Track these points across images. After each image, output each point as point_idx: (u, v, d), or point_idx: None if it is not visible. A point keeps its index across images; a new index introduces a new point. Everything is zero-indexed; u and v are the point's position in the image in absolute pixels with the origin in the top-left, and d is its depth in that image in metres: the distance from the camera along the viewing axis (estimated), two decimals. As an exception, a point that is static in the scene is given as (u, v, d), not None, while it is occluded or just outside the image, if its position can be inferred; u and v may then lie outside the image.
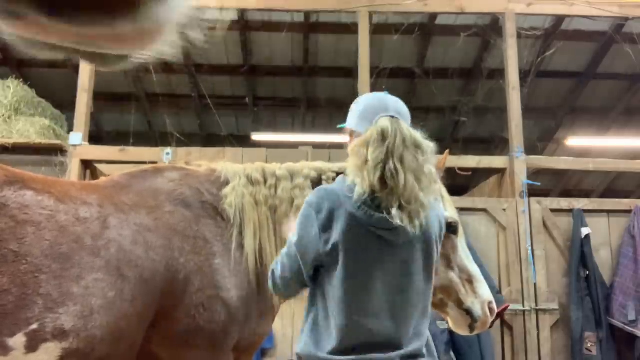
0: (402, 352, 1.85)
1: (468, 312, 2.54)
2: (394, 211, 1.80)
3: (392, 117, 1.97)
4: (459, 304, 2.55)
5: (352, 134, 2.07)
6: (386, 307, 1.88)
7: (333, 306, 1.88)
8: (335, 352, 1.84)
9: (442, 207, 2.12)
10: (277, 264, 2.04)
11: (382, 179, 1.82)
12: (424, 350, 1.93)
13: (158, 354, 2.52)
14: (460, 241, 2.67)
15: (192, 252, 2.52)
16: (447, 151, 2.79)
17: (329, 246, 1.87)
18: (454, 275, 2.57)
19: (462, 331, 2.61)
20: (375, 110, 2.00)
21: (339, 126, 2.32)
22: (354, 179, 1.87)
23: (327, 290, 1.91)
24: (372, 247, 1.87)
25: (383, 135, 1.90)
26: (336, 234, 1.86)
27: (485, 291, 2.57)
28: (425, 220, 1.86)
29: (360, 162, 1.88)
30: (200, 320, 2.47)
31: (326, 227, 1.88)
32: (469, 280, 2.58)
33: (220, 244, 2.61)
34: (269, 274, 2.11)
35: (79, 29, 0.44)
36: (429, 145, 1.96)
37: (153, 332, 2.45)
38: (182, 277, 2.47)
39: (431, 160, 1.94)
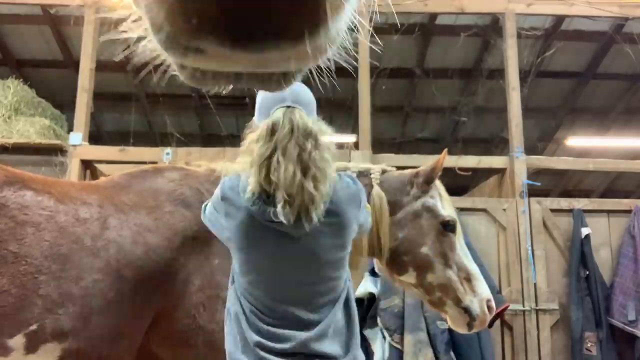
0: (310, 350, 1.78)
1: (466, 311, 2.54)
2: (279, 207, 1.73)
3: (288, 107, 1.84)
4: (457, 302, 2.55)
5: (253, 129, 1.94)
6: (295, 301, 1.81)
7: (244, 303, 1.85)
8: (247, 350, 1.79)
9: (360, 185, 2.01)
10: (206, 207, 2.10)
11: (267, 177, 1.75)
12: (341, 353, 1.84)
13: (158, 354, 2.51)
14: (459, 239, 2.67)
15: (192, 253, 2.52)
16: (445, 150, 2.77)
17: (225, 235, 1.90)
18: (452, 274, 2.57)
19: (461, 329, 2.61)
20: (273, 101, 1.88)
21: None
22: (248, 177, 1.81)
23: (237, 287, 1.89)
24: (271, 241, 1.81)
25: (273, 129, 1.79)
26: (231, 229, 1.86)
27: (483, 289, 2.57)
28: (324, 209, 1.78)
29: (251, 159, 1.81)
30: (200, 320, 2.47)
31: (227, 215, 1.88)
32: (467, 279, 2.58)
33: (219, 243, 2.60)
34: (203, 208, 2.17)
35: (260, 55, 0.46)
36: (323, 131, 1.84)
37: (153, 332, 2.45)
38: (182, 277, 2.46)
39: (325, 146, 1.82)
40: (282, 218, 1.73)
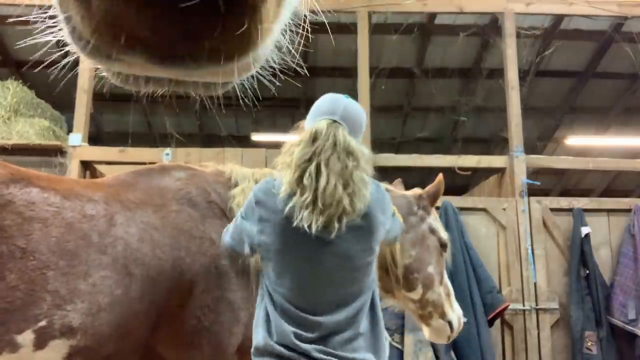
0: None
1: (450, 324, 2.75)
2: (306, 212, 1.81)
3: (334, 121, 1.95)
4: (443, 316, 2.74)
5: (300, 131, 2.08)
6: (326, 303, 1.89)
7: (278, 301, 1.91)
8: (289, 344, 1.86)
9: (384, 190, 2.10)
10: (228, 230, 2.22)
11: (300, 179, 1.84)
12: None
13: (162, 354, 2.50)
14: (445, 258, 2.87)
15: (198, 253, 2.50)
16: (440, 175, 2.87)
17: (257, 240, 1.95)
18: (442, 291, 2.76)
19: (442, 340, 2.84)
20: (322, 112, 2.01)
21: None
22: (281, 178, 1.91)
23: (269, 286, 1.95)
24: (304, 244, 1.87)
25: (315, 137, 1.90)
26: (265, 232, 1.92)
27: (457, 305, 2.82)
28: (352, 223, 1.86)
29: (288, 160, 1.90)
30: (205, 321, 2.45)
31: (260, 220, 1.94)
32: (448, 294, 2.78)
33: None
34: (224, 232, 2.29)
35: (187, 71, 0.46)
36: (364, 153, 1.94)
37: (158, 332, 2.44)
38: (188, 278, 2.45)
39: (364, 167, 1.92)
40: (305, 223, 1.80)
